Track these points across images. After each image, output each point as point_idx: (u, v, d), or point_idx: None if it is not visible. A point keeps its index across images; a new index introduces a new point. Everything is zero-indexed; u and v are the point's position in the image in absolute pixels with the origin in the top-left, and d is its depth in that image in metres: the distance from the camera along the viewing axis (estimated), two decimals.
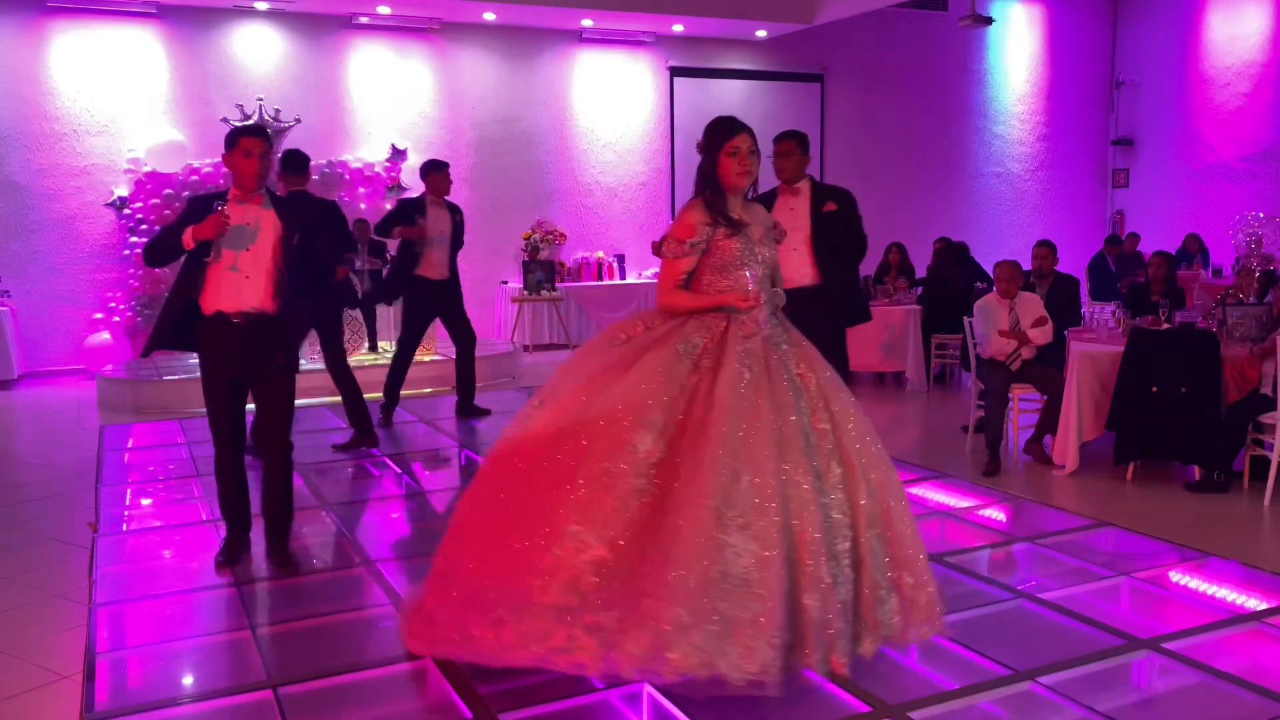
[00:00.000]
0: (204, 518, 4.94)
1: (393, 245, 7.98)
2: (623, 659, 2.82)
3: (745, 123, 3.48)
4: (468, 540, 3.19)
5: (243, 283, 4.00)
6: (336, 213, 6.15)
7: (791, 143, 5.25)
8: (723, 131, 3.43)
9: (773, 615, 2.81)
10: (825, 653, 2.90)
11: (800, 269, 5.13)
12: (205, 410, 4.19)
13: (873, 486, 3.14)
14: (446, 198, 7.07)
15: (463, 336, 7.31)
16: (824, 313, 5.09)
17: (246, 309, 4.00)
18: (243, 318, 4.00)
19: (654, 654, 2.78)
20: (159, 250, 4.10)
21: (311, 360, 9.01)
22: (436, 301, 7.14)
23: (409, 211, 6.99)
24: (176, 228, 3.99)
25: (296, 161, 6.22)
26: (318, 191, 10.73)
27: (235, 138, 4.05)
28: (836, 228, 5.22)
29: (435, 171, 7.06)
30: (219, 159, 10.22)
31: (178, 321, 4.09)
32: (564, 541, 2.92)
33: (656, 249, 3.50)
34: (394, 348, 7.61)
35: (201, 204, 4.02)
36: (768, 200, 5.21)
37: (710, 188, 3.41)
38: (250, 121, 10.30)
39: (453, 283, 7.15)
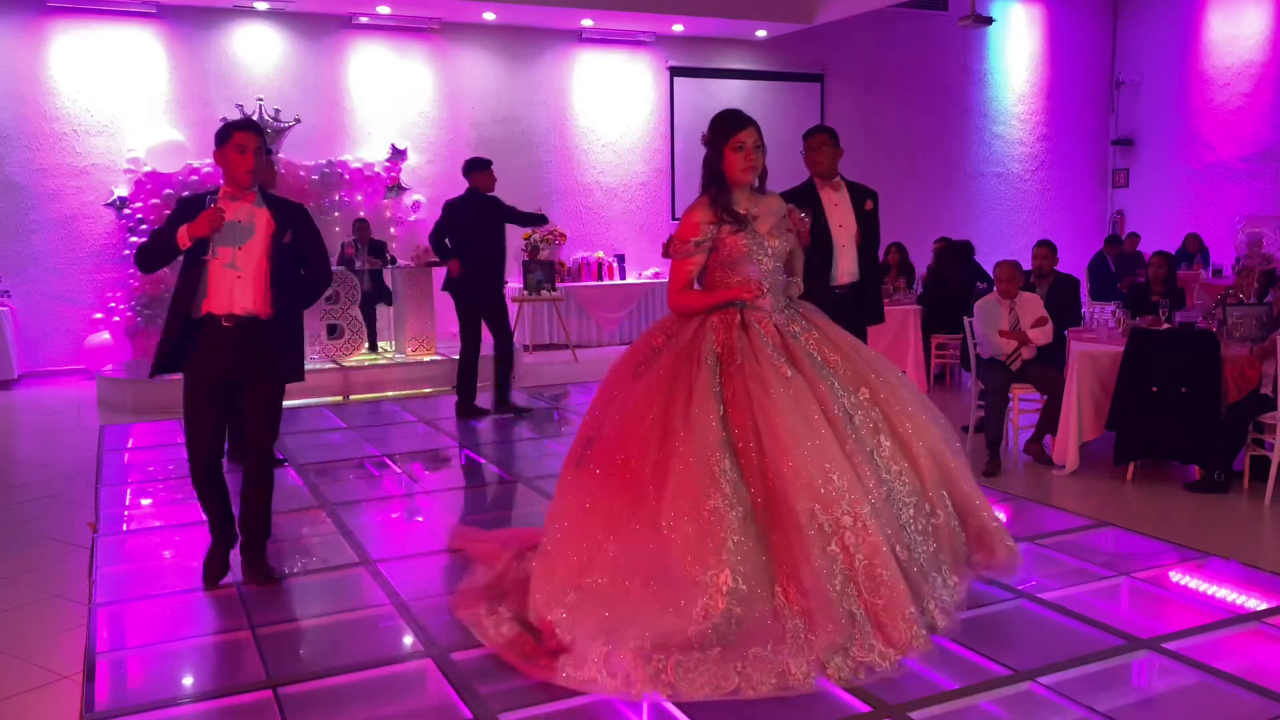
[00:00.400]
0: (204, 518, 4.93)
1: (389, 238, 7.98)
2: (793, 684, 2.92)
3: (750, 116, 3.48)
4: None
5: (235, 284, 3.83)
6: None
7: (823, 136, 5.21)
8: (728, 126, 3.42)
9: (901, 589, 3.01)
10: (928, 611, 3.14)
11: (850, 266, 5.17)
12: (185, 417, 3.91)
13: (931, 450, 3.31)
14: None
15: (500, 333, 7.35)
16: (857, 314, 5.16)
17: (238, 312, 3.83)
18: (233, 321, 3.82)
19: (815, 674, 2.94)
20: (152, 253, 3.90)
21: (310, 360, 9.02)
22: (484, 295, 7.18)
23: (455, 216, 7.08)
24: (169, 229, 3.82)
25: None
26: (316, 192, 10.78)
27: (228, 132, 3.89)
28: (874, 226, 5.31)
29: (478, 170, 7.14)
30: None
31: (184, 337, 3.88)
32: (700, 588, 2.94)
33: (666, 250, 3.52)
34: (384, 349, 7.64)
35: (192, 203, 3.88)
36: (805, 193, 5.17)
37: (716, 182, 3.42)
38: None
39: (494, 275, 7.30)
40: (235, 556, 4.28)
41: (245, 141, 3.85)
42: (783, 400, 3.14)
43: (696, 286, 3.51)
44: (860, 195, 5.27)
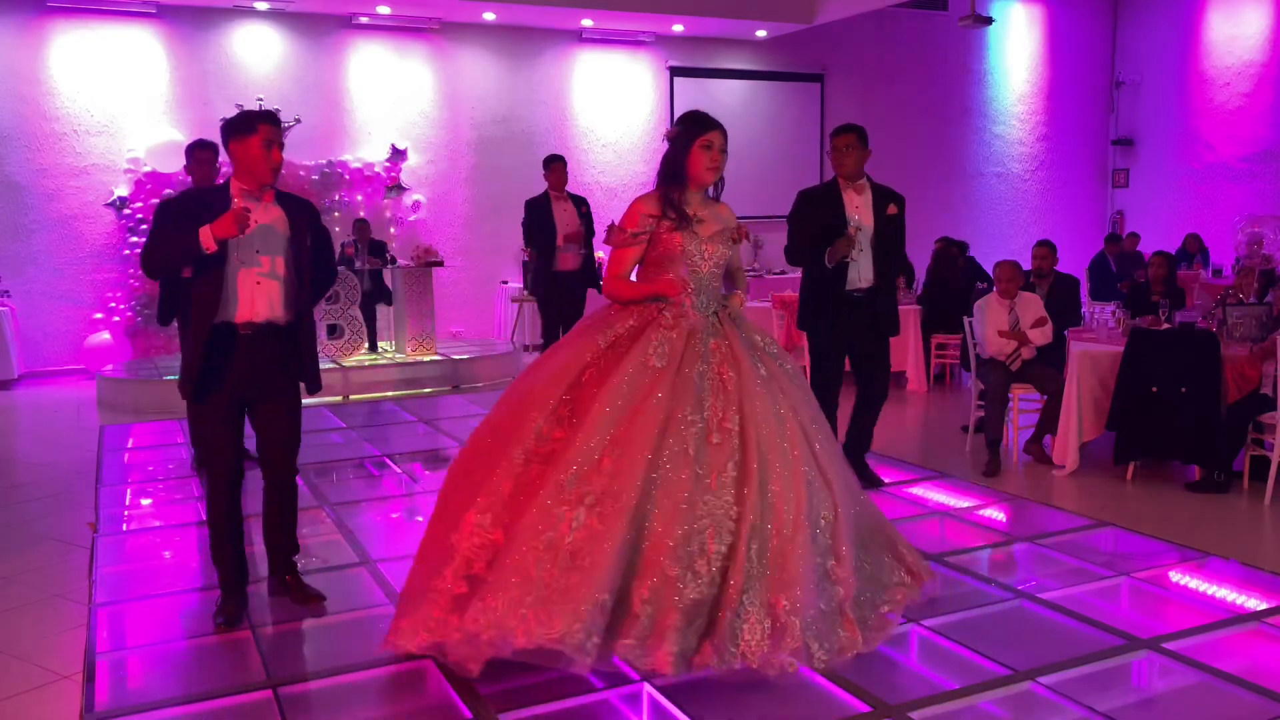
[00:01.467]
0: (204, 518, 4.93)
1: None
2: (464, 629, 2.90)
3: (716, 122, 3.49)
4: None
5: (255, 289, 3.56)
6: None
7: (851, 136, 5.06)
8: (699, 124, 3.44)
9: (585, 589, 2.83)
10: (643, 643, 2.87)
11: (865, 271, 5.06)
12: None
13: (769, 497, 3.07)
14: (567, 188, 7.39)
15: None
16: (873, 318, 5.08)
17: (257, 320, 3.57)
18: (251, 329, 3.57)
19: (481, 621, 2.86)
20: (162, 257, 3.60)
21: None
22: (568, 292, 7.29)
23: (535, 215, 7.18)
24: (179, 230, 3.50)
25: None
26: (316, 192, 10.78)
27: (252, 123, 3.53)
28: (895, 232, 5.12)
29: (549, 166, 7.29)
30: (219, 159, 10.27)
31: (223, 349, 3.56)
32: (467, 529, 3.03)
33: (607, 237, 3.52)
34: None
35: (187, 202, 3.61)
36: (826, 194, 5.13)
37: (674, 179, 3.43)
38: None
39: (585, 271, 7.38)
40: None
41: (272, 135, 3.55)
42: (616, 392, 3.11)
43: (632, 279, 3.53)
44: (884, 199, 5.11)
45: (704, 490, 3.03)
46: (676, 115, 12.72)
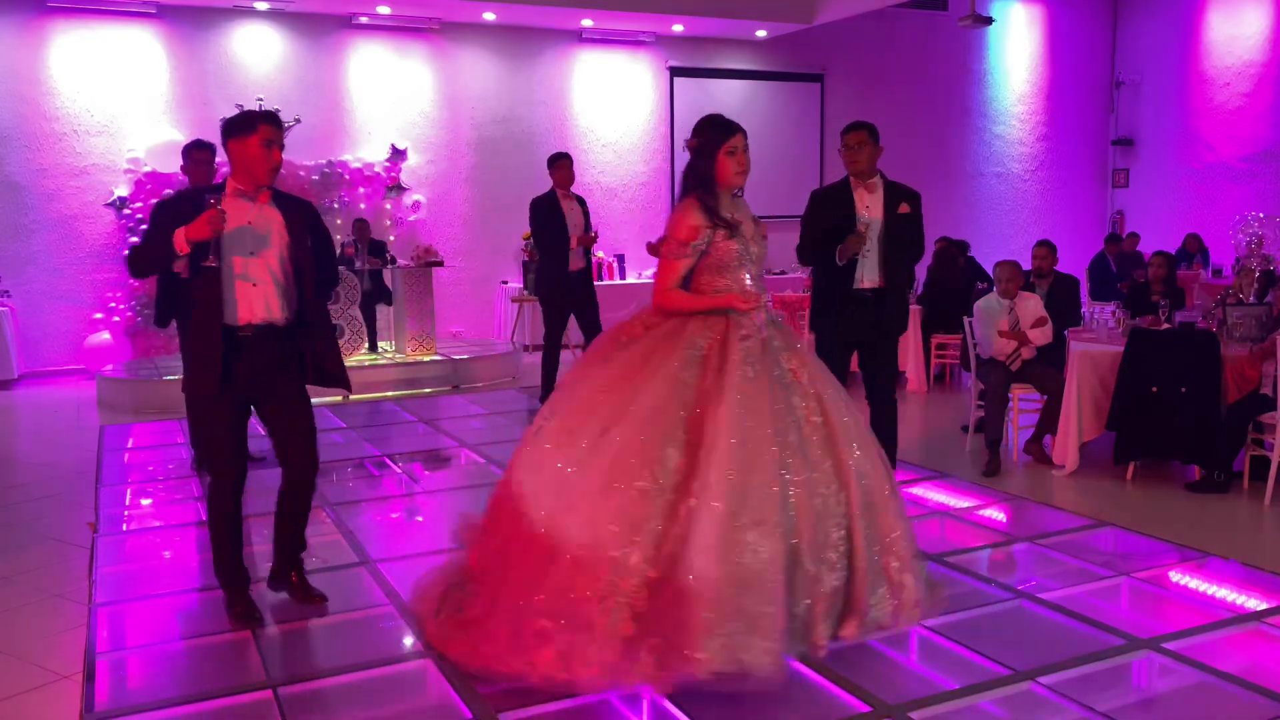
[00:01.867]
0: (204, 518, 4.94)
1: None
2: (643, 668, 2.89)
3: (739, 126, 3.52)
4: (506, 558, 3.19)
5: (251, 291, 3.54)
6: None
7: (863, 133, 5.04)
8: (721, 130, 3.45)
9: (781, 608, 2.94)
10: (805, 635, 3.03)
11: (871, 271, 5.02)
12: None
13: (864, 476, 3.25)
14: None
15: (592, 334, 7.36)
16: (879, 317, 5.04)
17: (255, 321, 3.56)
18: (251, 330, 3.55)
19: (679, 657, 2.86)
20: (145, 260, 3.60)
21: None
22: (573, 294, 7.26)
23: (546, 214, 7.14)
24: (160, 231, 3.50)
25: None
26: (316, 192, 10.78)
27: (252, 123, 3.50)
28: (906, 231, 5.07)
29: (555, 165, 7.23)
30: (219, 159, 10.25)
31: (228, 349, 3.54)
32: (631, 567, 2.95)
33: (654, 249, 3.55)
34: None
35: (181, 201, 3.58)
36: (837, 193, 5.09)
37: (704, 186, 3.43)
38: None
39: (587, 272, 7.35)
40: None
41: (273, 135, 3.52)
42: (735, 410, 3.11)
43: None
44: (896, 197, 5.06)
45: (818, 486, 3.15)
46: (676, 115, 12.76)
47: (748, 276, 3.41)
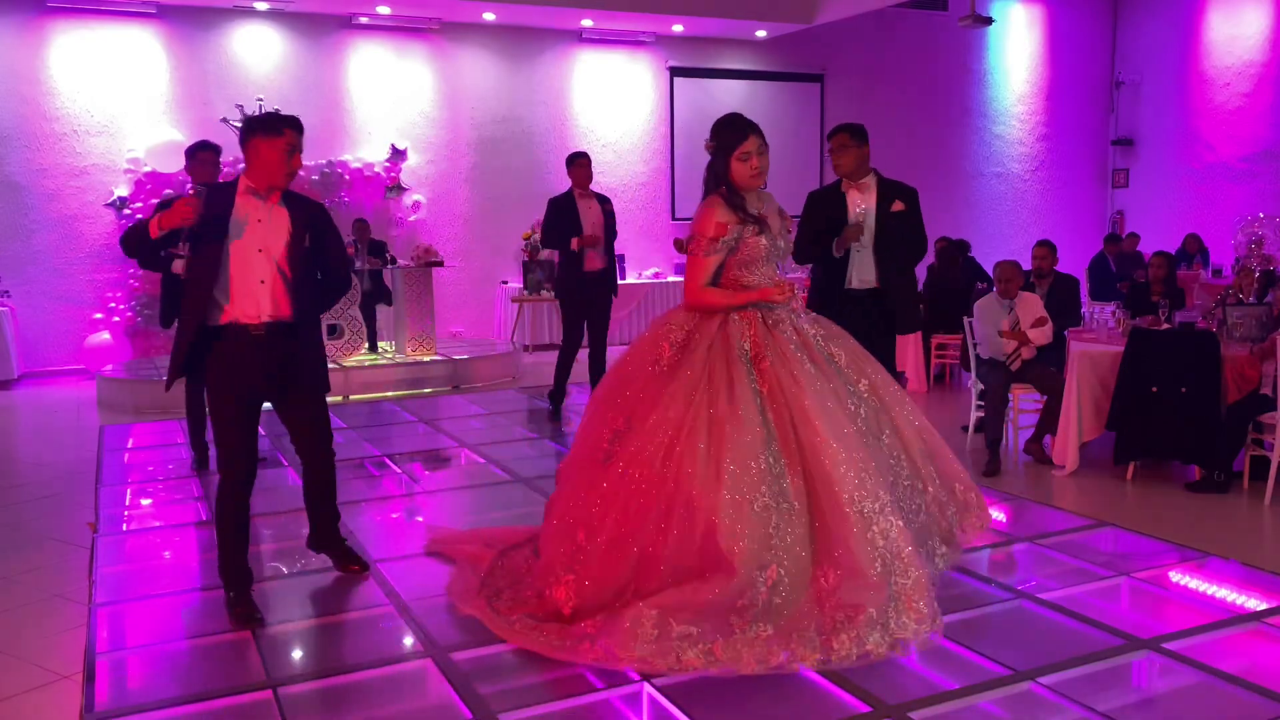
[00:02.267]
0: (204, 518, 4.94)
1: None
2: (834, 660, 3.02)
3: (751, 120, 3.52)
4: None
5: (259, 289, 3.59)
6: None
7: (843, 136, 5.04)
8: (732, 134, 3.46)
9: (924, 570, 3.15)
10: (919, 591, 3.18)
11: (864, 271, 5.03)
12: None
13: (919, 431, 3.52)
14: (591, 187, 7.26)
15: (595, 336, 7.30)
16: (877, 317, 5.01)
17: (265, 318, 3.61)
18: (263, 328, 3.61)
19: (858, 649, 3.02)
20: (133, 242, 3.67)
21: None
22: (591, 293, 7.19)
23: (558, 213, 7.08)
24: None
25: None
26: (316, 192, 10.78)
27: (279, 127, 3.56)
28: (902, 228, 5.04)
29: (572, 164, 7.19)
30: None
31: (200, 337, 3.62)
32: (742, 575, 3.03)
33: (681, 246, 3.60)
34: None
35: (215, 197, 3.63)
36: (832, 194, 5.12)
37: (726, 185, 3.48)
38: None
39: (608, 274, 7.24)
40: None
41: (296, 141, 3.60)
42: (813, 396, 3.25)
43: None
44: (889, 195, 5.04)
45: (890, 456, 3.39)
46: (676, 115, 12.77)
47: (777, 270, 3.52)
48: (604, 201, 7.23)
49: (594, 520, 3.26)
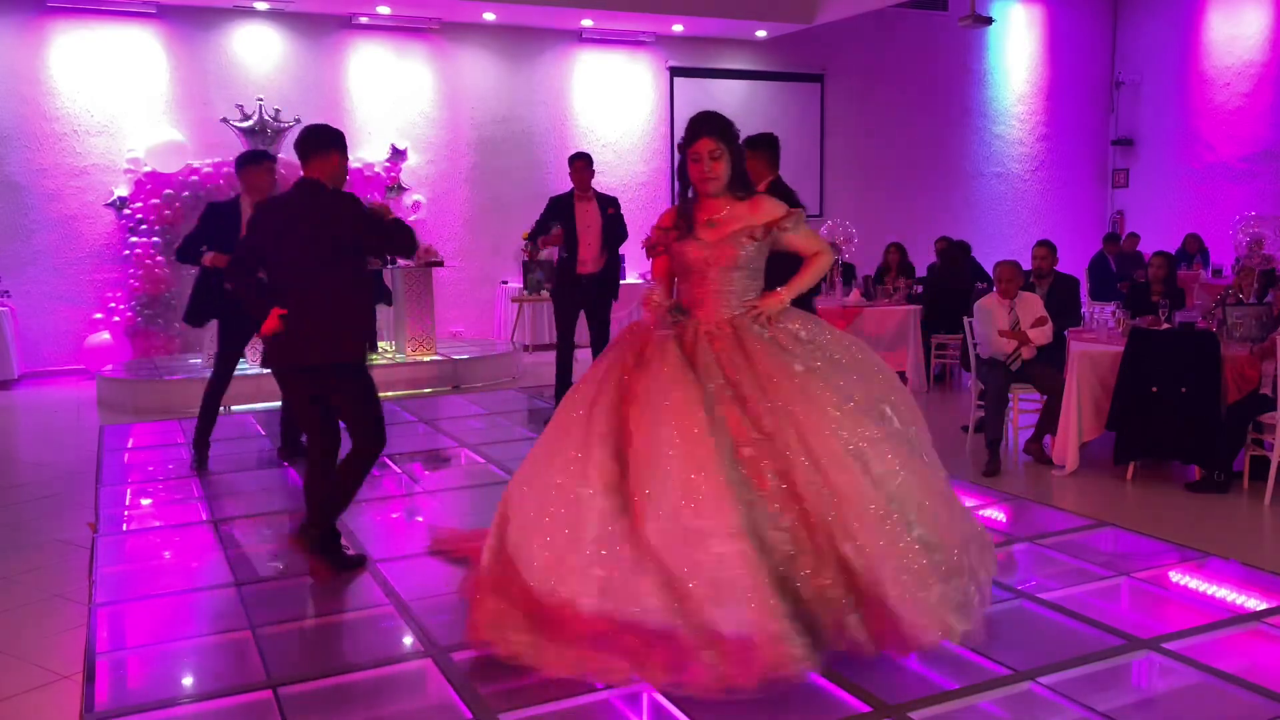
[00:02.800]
0: (204, 518, 4.94)
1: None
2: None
3: (716, 120, 3.37)
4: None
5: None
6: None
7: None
8: (686, 134, 3.39)
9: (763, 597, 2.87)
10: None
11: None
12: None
13: (834, 491, 3.00)
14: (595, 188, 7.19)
15: (595, 338, 7.26)
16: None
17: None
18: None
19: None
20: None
21: None
22: (585, 296, 7.12)
23: (553, 212, 7.06)
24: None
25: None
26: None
27: (343, 144, 4.00)
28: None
29: (570, 165, 7.20)
30: (218, 159, 10.29)
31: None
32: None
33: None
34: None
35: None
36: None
37: (687, 188, 3.45)
38: (251, 122, 10.28)
39: (605, 276, 7.14)
40: (236, 554, 4.29)
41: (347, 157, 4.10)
42: (659, 407, 3.11)
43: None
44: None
45: (756, 503, 3.01)
46: (676, 115, 12.75)
47: (702, 279, 3.37)
48: (607, 203, 7.12)
49: None
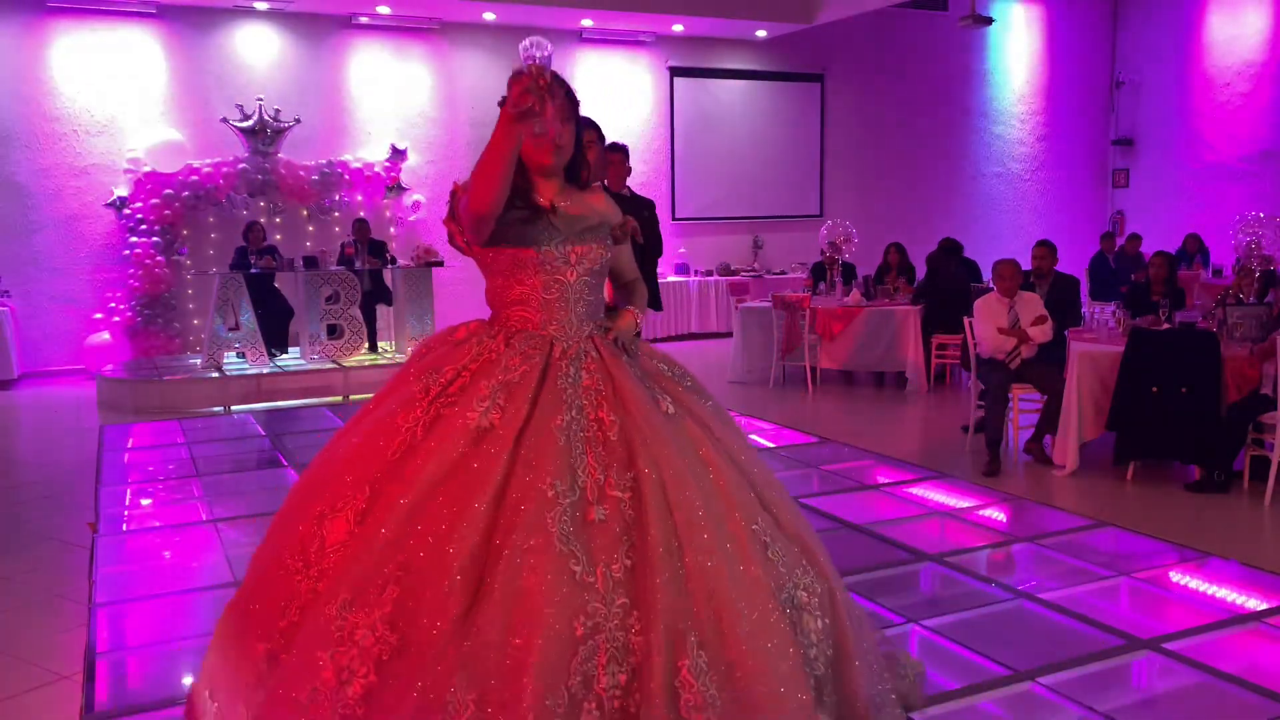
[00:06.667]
0: (204, 518, 4.94)
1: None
2: None
3: (560, 77, 2.62)
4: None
5: None
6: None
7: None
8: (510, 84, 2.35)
9: None
10: None
11: None
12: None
13: (695, 583, 2.16)
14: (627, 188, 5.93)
15: None
16: None
17: None
18: None
19: None
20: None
21: (310, 360, 9.01)
22: None
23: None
24: None
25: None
26: (316, 192, 10.77)
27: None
28: None
29: (609, 156, 5.76)
30: (218, 159, 10.29)
31: None
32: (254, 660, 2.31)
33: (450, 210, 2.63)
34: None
35: None
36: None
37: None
38: (251, 122, 10.29)
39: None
40: (236, 554, 4.29)
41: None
42: (433, 451, 2.29)
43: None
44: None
45: (590, 595, 2.11)
46: (677, 115, 12.77)
47: (551, 284, 2.51)
48: (640, 206, 6.67)
49: None
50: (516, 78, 2.27)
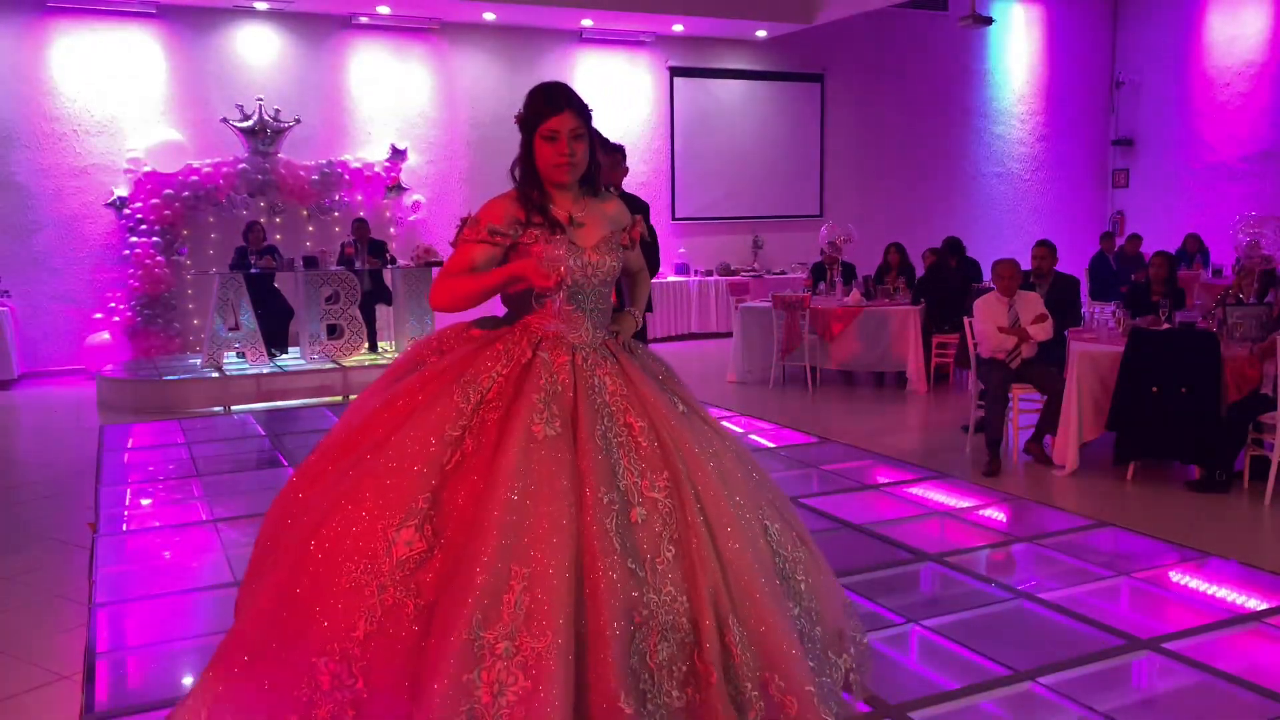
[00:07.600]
0: (204, 518, 4.94)
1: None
2: None
3: (575, 94, 2.77)
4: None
5: None
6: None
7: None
8: (537, 109, 2.70)
9: None
10: None
11: None
12: None
13: (727, 564, 2.38)
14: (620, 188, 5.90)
15: None
16: None
17: None
18: None
19: None
20: None
21: (310, 360, 9.02)
22: None
23: None
24: None
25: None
26: (316, 192, 10.77)
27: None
28: None
29: (610, 156, 5.58)
30: (218, 159, 10.29)
31: None
32: (311, 676, 2.23)
33: (455, 238, 2.73)
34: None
35: None
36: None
37: (530, 180, 2.72)
38: (251, 122, 10.29)
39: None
40: (236, 554, 4.29)
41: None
42: (515, 466, 2.32)
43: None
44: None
45: (645, 586, 2.31)
46: (677, 115, 12.76)
47: (571, 294, 2.60)
48: (635, 206, 6.79)
49: None
50: (552, 266, 2.53)
